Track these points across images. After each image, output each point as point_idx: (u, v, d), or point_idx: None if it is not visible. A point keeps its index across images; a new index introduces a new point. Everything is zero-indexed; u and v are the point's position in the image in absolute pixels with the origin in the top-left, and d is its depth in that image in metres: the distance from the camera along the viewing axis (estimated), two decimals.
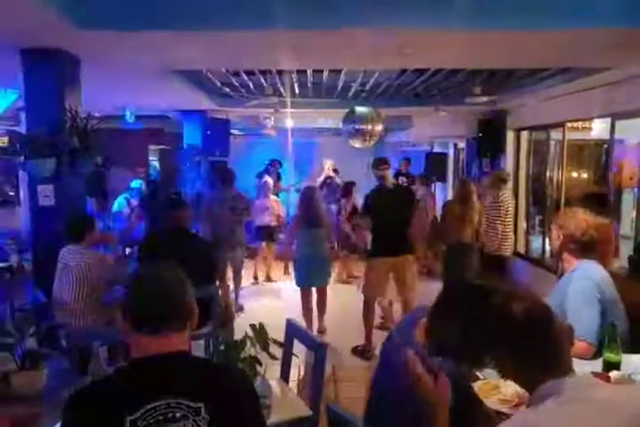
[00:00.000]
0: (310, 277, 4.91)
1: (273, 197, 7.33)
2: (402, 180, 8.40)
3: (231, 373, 1.45)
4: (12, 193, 7.36)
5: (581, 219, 2.34)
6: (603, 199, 4.34)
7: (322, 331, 4.95)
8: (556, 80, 5.10)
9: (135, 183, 6.97)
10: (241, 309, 5.72)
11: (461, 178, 7.64)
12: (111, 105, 6.46)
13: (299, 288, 4.96)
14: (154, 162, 9.65)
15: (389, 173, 4.73)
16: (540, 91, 5.63)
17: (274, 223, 7.04)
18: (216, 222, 5.36)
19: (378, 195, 4.74)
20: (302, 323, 4.68)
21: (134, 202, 6.64)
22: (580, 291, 2.25)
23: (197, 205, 6.98)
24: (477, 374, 1.89)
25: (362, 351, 4.53)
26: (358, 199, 6.68)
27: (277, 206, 7.15)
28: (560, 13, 2.90)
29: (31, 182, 3.69)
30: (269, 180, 7.60)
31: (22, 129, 4.35)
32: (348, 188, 7.38)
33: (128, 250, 5.90)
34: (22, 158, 3.54)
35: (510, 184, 7.28)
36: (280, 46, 3.47)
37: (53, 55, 3.50)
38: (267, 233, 6.99)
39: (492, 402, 1.81)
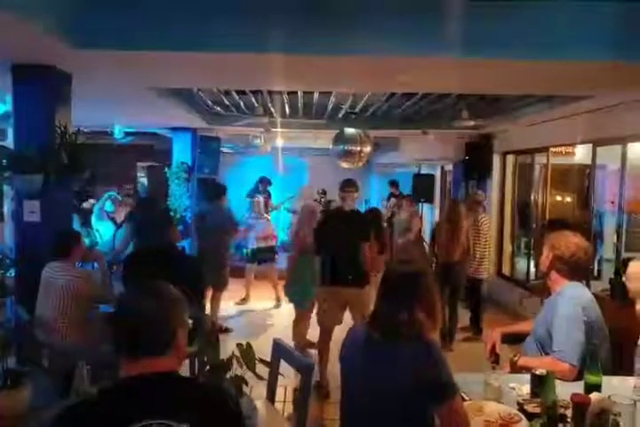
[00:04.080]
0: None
1: (267, 216, 7.20)
2: (392, 201, 8.49)
3: (216, 393, 1.44)
4: None
5: (572, 241, 2.39)
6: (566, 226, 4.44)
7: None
8: (540, 106, 5.24)
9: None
10: (226, 330, 5.64)
11: (451, 199, 7.70)
12: (101, 121, 6.47)
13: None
14: (142, 178, 9.61)
15: (354, 197, 4.38)
16: (525, 116, 5.77)
17: (271, 243, 6.98)
18: (202, 238, 5.37)
19: (329, 219, 4.51)
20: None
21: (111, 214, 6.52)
22: (567, 313, 2.28)
23: (185, 222, 7.00)
24: (463, 395, 1.90)
25: (318, 388, 3.93)
26: None
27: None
28: (546, 45, 3.02)
29: (17, 198, 3.66)
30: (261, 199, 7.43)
31: (8, 144, 4.34)
32: (327, 207, 7.45)
33: (114, 267, 5.82)
34: (8, 174, 3.52)
35: (495, 207, 7.41)
36: (272, 69, 3.53)
37: (45, 71, 3.51)
38: (267, 254, 6.81)
39: (476, 422, 1.82)
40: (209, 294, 5.51)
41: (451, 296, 5.15)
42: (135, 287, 1.43)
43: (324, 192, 9.51)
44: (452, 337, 5.16)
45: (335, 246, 4.14)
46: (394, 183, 9.28)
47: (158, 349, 1.32)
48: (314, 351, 4.41)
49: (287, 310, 6.16)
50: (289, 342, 2.68)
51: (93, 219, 6.50)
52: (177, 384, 1.34)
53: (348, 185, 4.41)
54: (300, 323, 4.75)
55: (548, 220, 6.11)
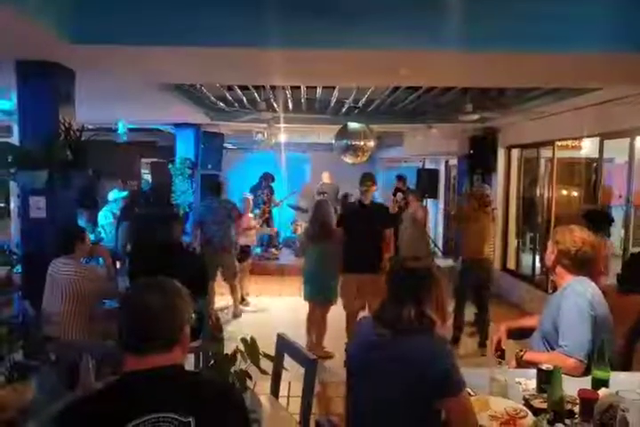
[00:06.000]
0: (312, 293, 4.81)
1: (250, 215, 7.07)
2: (399, 196, 8.50)
3: (221, 386, 1.45)
4: (2, 204, 7.31)
5: (577, 236, 2.36)
6: (604, 216, 4.38)
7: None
8: (546, 99, 5.20)
9: (115, 194, 6.82)
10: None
11: (474, 191, 7.41)
12: (105, 117, 6.47)
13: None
14: (146, 175, 9.61)
15: (373, 190, 4.73)
16: (530, 109, 5.73)
17: (250, 243, 6.85)
18: (207, 229, 5.50)
19: (352, 211, 4.80)
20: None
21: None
22: (574, 308, 2.26)
23: (188, 218, 7.01)
24: (469, 390, 1.89)
25: None
26: None
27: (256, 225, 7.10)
28: (551, 37, 2.98)
29: (23, 194, 3.67)
30: (249, 197, 7.34)
31: (13, 140, 4.35)
32: (344, 201, 7.40)
33: (118, 263, 5.84)
34: (14, 170, 3.53)
35: (501, 201, 7.37)
36: (274, 64, 3.51)
37: (48, 68, 3.51)
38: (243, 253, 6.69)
39: (482, 417, 1.81)
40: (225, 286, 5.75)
41: (481, 293, 5.11)
42: (142, 283, 1.41)
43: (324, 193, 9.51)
44: (484, 335, 5.00)
45: (355, 236, 4.52)
46: (401, 178, 9.24)
47: (165, 346, 1.32)
48: (327, 363, 4.48)
49: (287, 306, 6.20)
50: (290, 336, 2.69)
51: (100, 215, 6.53)
52: (182, 378, 1.34)
53: (367, 179, 4.71)
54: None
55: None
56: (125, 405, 1.24)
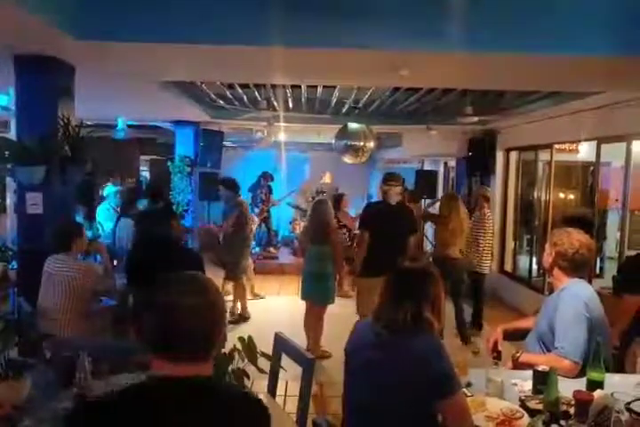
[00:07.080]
0: (310, 293, 4.76)
1: None
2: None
3: (249, 401, 1.27)
4: None
5: (575, 238, 2.38)
6: (585, 222, 4.39)
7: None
8: (544, 102, 5.21)
9: (109, 189, 6.79)
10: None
11: (449, 193, 7.67)
12: (104, 114, 6.46)
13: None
14: (144, 172, 9.61)
15: (397, 190, 4.45)
16: (529, 112, 5.74)
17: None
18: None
19: (377, 211, 4.54)
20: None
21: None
22: (570, 309, 2.27)
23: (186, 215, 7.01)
24: (465, 391, 1.89)
25: None
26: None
27: None
28: (552, 40, 2.99)
29: (19, 190, 3.65)
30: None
31: (11, 135, 4.33)
32: (337, 200, 7.35)
33: (115, 261, 5.81)
34: (11, 165, 3.51)
35: (499, 203, 7.39)
36: (275, 63, 3.51)
37: (47, 63, 3.49)
38: None
39: (478, 418, 1.82)
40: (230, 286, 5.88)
41: (455, 294, 5.12)
42: (176, 279, 1.24)
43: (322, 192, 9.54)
44: (463, 333, 5.06)
45: (382, 238, 4.25)
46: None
47: (203, 354, 1.20)
48: (325, 362, 4.46)
49: (286, 305, 6.20)
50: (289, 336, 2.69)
51: (99, 210, 6.49)
52: (210, 391, 1.20)
53: (391, 179, 4.48)
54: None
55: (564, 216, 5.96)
56: (149, 416, 1.12)
